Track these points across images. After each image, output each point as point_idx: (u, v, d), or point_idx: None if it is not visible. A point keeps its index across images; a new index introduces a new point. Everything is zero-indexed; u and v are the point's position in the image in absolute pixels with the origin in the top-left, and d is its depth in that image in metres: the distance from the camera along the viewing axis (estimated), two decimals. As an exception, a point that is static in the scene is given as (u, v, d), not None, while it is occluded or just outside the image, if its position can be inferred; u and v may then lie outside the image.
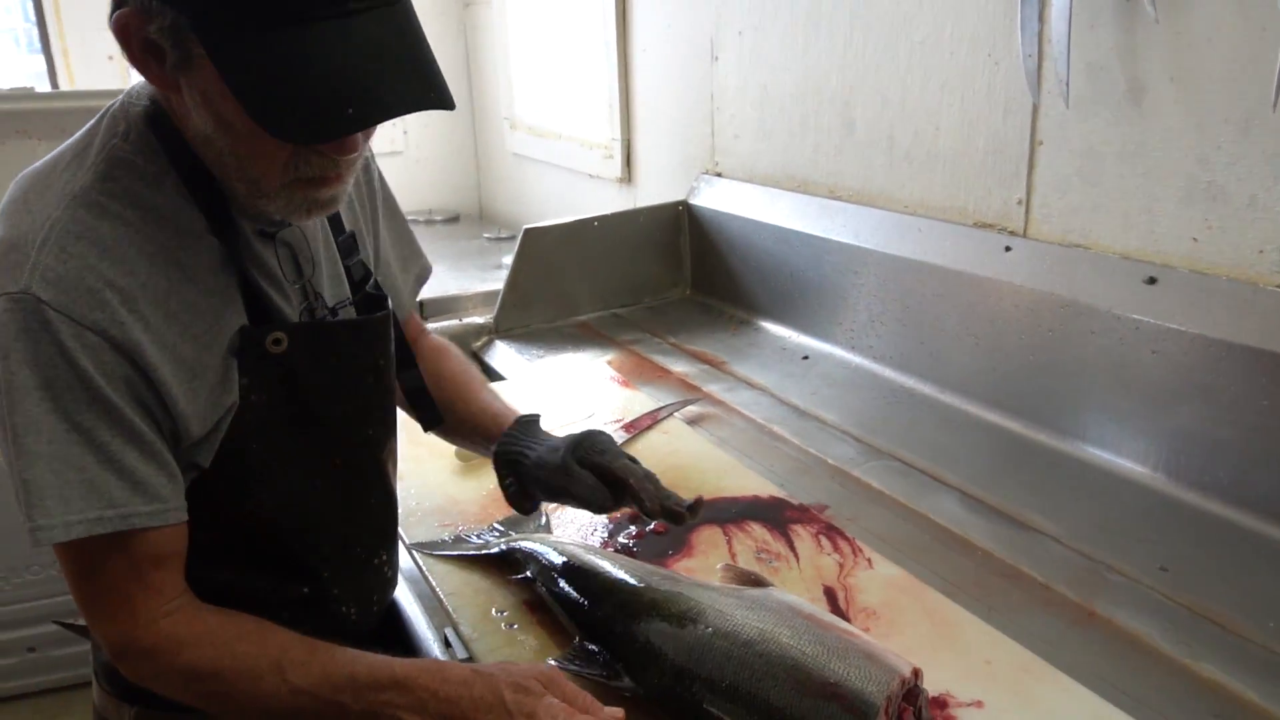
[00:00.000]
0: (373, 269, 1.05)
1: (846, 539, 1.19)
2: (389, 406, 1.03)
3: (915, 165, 1.69)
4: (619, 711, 0.83)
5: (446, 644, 1.03)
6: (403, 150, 3.61)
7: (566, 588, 1.00)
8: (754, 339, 2.02)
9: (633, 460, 1.02)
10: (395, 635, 1.10)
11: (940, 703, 0.89)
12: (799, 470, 1.44)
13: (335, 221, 1.00)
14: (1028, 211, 1.49)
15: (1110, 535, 1.20)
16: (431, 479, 1.38)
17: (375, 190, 1.10)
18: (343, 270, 1.00)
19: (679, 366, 1.88)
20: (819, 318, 1.91)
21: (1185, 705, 0.92)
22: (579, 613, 0.97)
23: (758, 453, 1.49)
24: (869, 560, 1.15)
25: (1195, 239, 1.26)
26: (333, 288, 0.98)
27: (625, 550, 1.16)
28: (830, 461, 1.45)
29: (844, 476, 1.41)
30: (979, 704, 0.90)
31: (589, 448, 1.02)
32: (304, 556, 0.95)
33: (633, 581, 0.96)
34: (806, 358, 1.89)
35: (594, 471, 1.00)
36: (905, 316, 1.69)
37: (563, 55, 2.94)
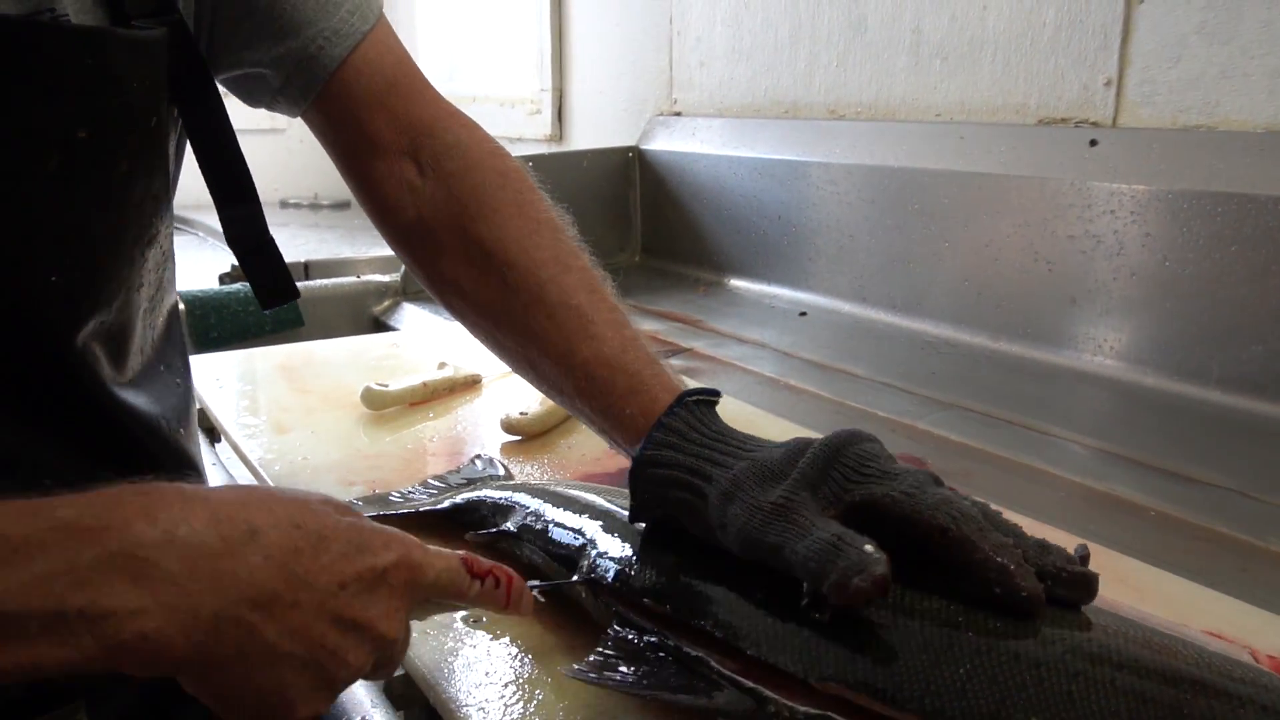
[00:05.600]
0: None
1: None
2: (123, 234, 0.55)
3: (952, 61, 1.34)
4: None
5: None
6: (284, 129, 3.12)
7: (585, 544, 0.56)
8: (731, 299, 1.64)
9: (938, 483, 0.47)
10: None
11: None
12: (845, 424, 1.04)
13: None
14: (1119, 94, 1.15)
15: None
16: (325, 426, 0.93)
17: None
18: None
19: (645, 325, 1.47)
20: (815, 267, 1.54)
21: None
22: (620, 581, 0.53)
23: (780, 406, 1.09)
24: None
25: (1389, 91, 0.94)
26: None
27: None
28: (882, 415, 1.07)
29: (911, 430, 1.02)
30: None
31: (847, 469, 0.47)
32: None
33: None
34: (804, 314, 1.51)
35: (859, 519, 0.46)
36: (941, 251, 1.34)
37: (481, 4, 2.55)
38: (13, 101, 0.48)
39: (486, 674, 0.54)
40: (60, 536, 0.34)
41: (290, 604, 0.38)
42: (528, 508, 0.62)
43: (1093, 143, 1.16)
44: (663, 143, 1.84)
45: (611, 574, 0.52)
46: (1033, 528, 0.74)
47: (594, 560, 0.54)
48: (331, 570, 0.40)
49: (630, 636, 0.49)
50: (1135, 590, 0.65)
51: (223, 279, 1.74)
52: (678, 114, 1.86)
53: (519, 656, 0.55)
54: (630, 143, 1.90)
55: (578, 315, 0.60)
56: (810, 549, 0.43)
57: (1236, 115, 1.05)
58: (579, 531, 0.58)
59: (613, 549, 0.54)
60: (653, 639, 0.48)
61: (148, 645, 0.35)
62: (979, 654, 0.41)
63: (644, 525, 0.54)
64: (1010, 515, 0.76)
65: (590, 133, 2.13)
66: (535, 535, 0.60)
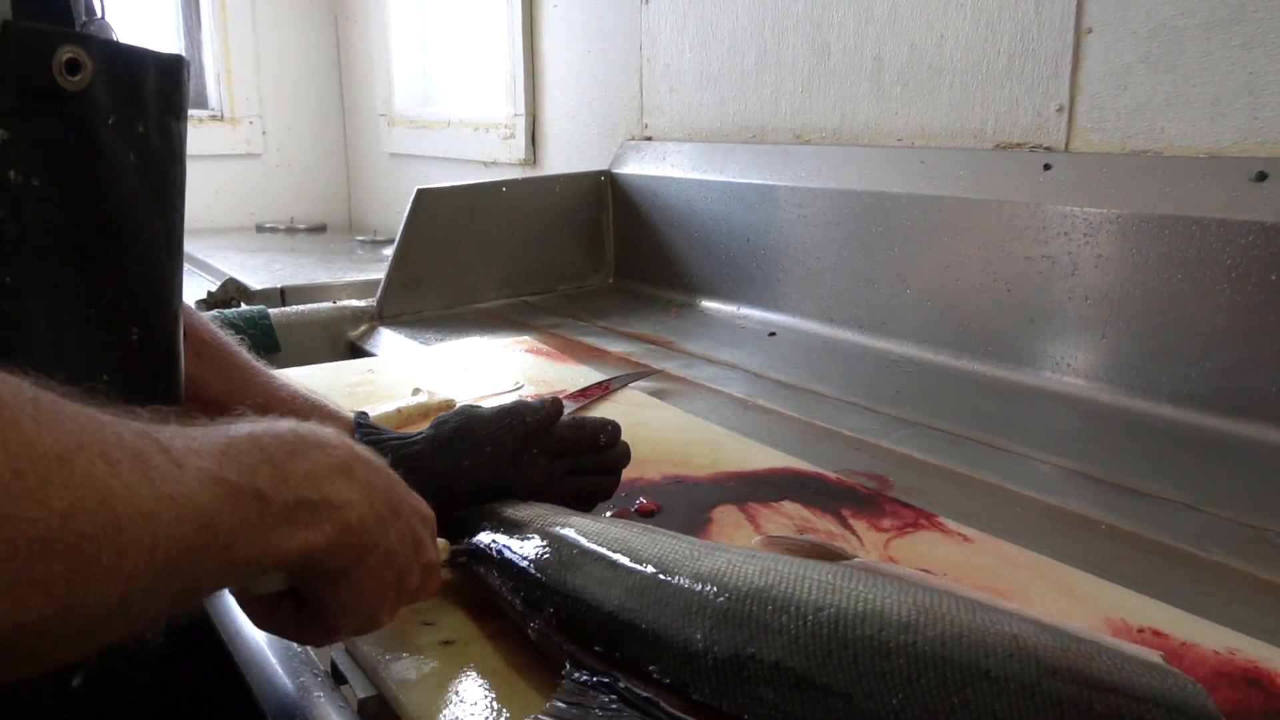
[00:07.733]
0: None
1: (925, 515, 0.83)
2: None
3: (911, 88, 1.39)
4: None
5: (335, 678, 0.61)
6: (260, 153, 3.14)
7: (547, 570, 0.59)
8: (702, 320, 1.67)
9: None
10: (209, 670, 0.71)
11: None
12: (811, 443, 1.07)
13: None
14: (1071, 120, 1.20)
15: (1260, 498, 0.89)
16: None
17: None
18: None
19: (618, 347, 1.50)
20: (784, 288, 1.57)
21: None
22: (577, 608, 0.55)
23: (751, 427, 1.12)
24: (963, 536, 0.80)
25: (1322, 118, 0.98)
26: None
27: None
28: (848, 433, 1.10)
29: (874, 449, 1.05)
30: None
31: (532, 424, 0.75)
32: None
33: (691, 556, 0.56)
34: (774, 334, 1.54)
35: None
36: (904, 271, 1.37)
37: (455, 30, 2.58)
38: (176, 125, 0.57)
39: (456, 693, 0.56)
40: (311, 446, 0.46)
41: (400, 513, 0.51)
42: (503, 530, 0.64)
43: (1046, 167, 1.20)
44: (634, 167, 1.87)
45: (561, 618, 0.55)
46: (990, 542, 0.78)
47: (545, 602, 0.56)
48: (409, 499, 0.53)
49: (583, 678, 0.51)
50: (1077, 599, 0.68)
51: (200, 305, 1.75)
52: (648, 139, 1.90)
53: (487, 676, 0.58)
54: (602, 167, 1.93)
55: (263, 372, 0.78)
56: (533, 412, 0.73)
57: (1180, 140, 1.10)
58: (539, 569, 0.59)
59: (562, 590, 0.56)
60: (604, 679, 0.50)
61: (355, 530, 0.46)
62: (910, 682, 0.44)
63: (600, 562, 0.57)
64: (968, 530, 0.80)
65: (563, 157, 2.16)
66: (499, 564, 0.61)
